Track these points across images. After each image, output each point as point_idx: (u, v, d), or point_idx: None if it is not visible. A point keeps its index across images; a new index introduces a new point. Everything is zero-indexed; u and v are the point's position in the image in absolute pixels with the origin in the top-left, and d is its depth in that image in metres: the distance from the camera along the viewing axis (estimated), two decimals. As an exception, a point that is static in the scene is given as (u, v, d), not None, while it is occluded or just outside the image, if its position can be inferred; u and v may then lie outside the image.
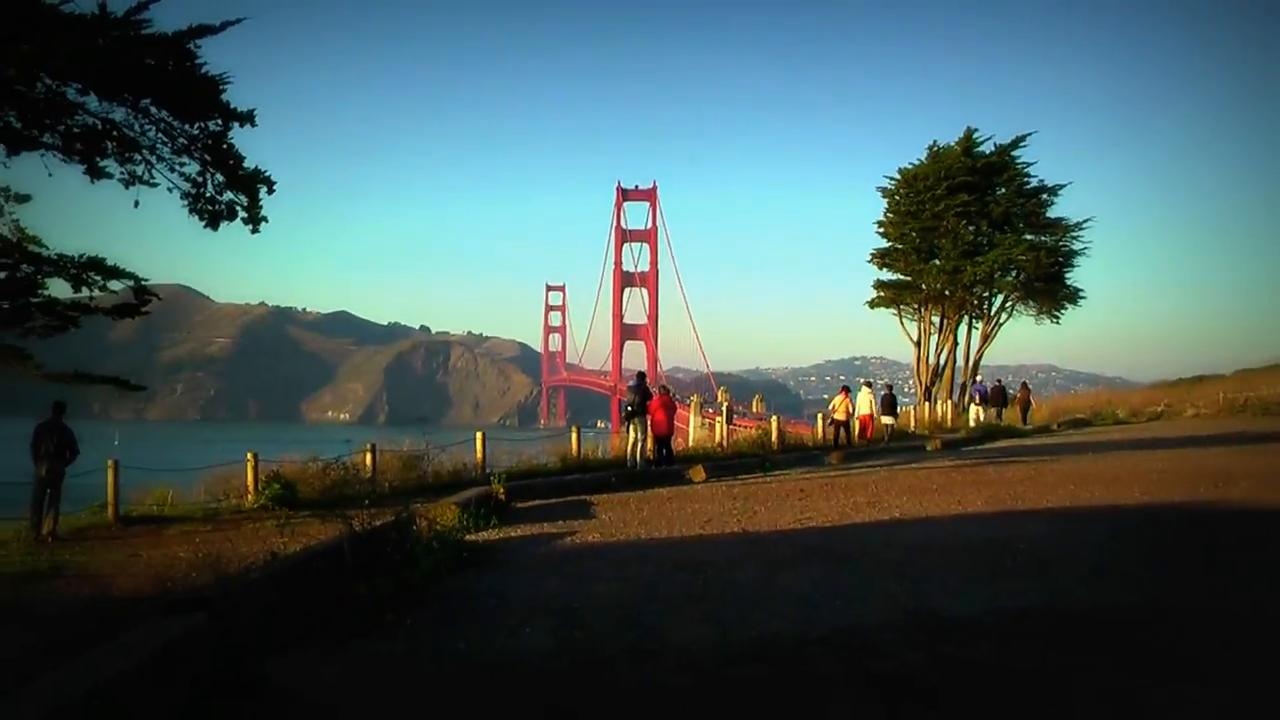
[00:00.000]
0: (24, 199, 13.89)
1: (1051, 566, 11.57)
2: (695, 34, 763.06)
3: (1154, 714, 6.72)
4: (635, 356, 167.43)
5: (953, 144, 50.72)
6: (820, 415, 36.52)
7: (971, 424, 40.09)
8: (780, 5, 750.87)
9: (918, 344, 52.03)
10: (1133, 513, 15.62)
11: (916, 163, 51.24)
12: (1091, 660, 7.86)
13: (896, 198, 51.73)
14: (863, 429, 32.68)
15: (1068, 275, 51.08)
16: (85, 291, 13.99)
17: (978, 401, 41.80)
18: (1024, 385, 44.53)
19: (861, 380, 37.29)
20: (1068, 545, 12.98)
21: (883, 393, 34.48)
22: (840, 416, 31.47)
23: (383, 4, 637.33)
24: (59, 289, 14.30)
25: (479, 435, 23.59)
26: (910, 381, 46.03)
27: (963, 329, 51.58)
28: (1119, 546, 12.94)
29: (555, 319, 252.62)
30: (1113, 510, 15.86)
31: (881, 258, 52.30)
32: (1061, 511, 15.86)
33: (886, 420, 33.47)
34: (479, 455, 22.85)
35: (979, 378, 47.24)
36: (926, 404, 46.20)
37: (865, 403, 32.84)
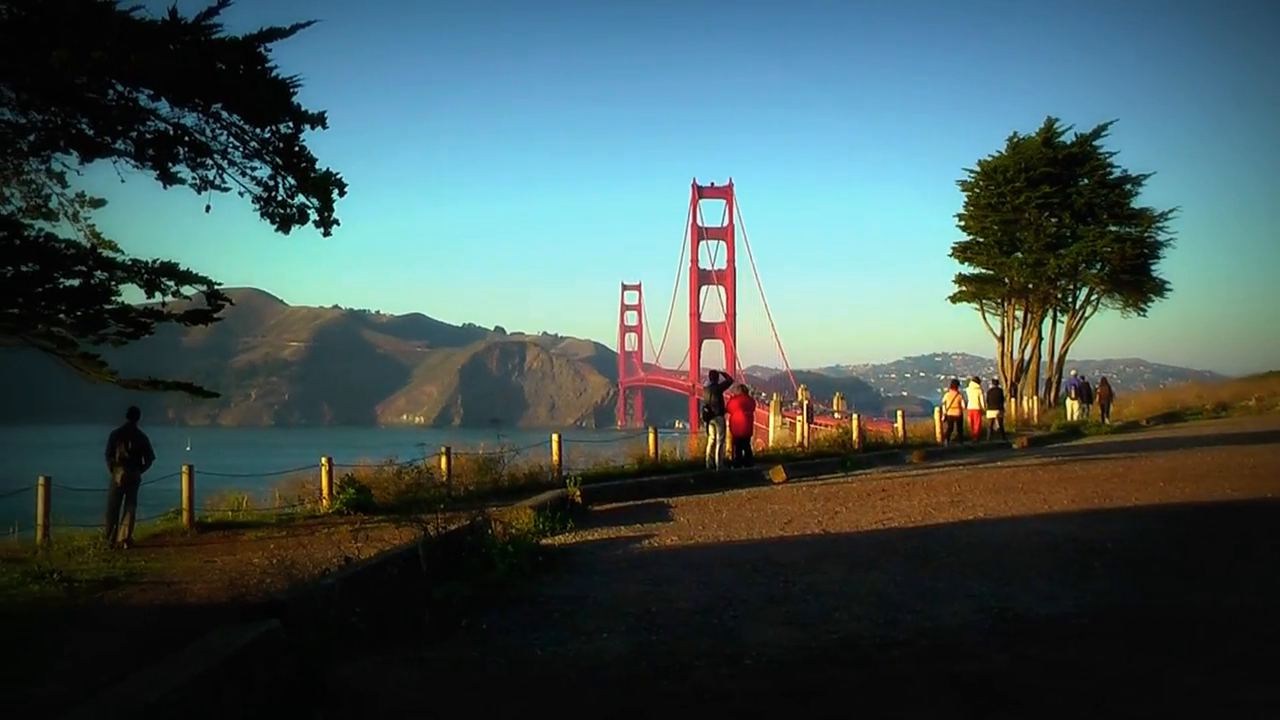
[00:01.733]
0: (99, 203, 14.04)
1: (1140, 566, 11.35)
2: (770, 30, 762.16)
3: (1250, 717, 6.48)
4: (713, 355, 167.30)
5: (1033, 134, 49.78)
6: (901, 412, 37.54)
7: (1068, 419, 39.61)
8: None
9: (1001, 339, 51.17)
10: (1224, 510, 15.26)
11: (996, 154, 50.50)
12: (1183, 663, 7.62)
13: (976, 190, 50.98)
14: (971, 424, 33.40)
15: (1154, 267, 49.82)
16: (158, 297, 14.08)
17: (1072, 396, 41.15)
18: (1104, 381, 43.50)
19: (971, 377, 37.85)
20: (1157, 544, 12.64)
21: (989, 386, 34.57)
22: (953, 412, 32.76)
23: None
24: (132, 295, 14.42)
25: (555, 437, 23.53)
26: (994, 378, 45.13)
27: (1047, 323, 50.64)
28: (1210, 545, 12.64)
29: (631, 318, 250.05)
30: (1204, 507, 15.46)
31: (962, 251, 51.59)
32: (1150, 509, 15.44)
33: (991, 414, 33.37)
34: (555, 457, 22.80)
35: (1074, 372, 46.34)
36: (1012, 400, 45.37)
37: (974, 398, 33.43)
